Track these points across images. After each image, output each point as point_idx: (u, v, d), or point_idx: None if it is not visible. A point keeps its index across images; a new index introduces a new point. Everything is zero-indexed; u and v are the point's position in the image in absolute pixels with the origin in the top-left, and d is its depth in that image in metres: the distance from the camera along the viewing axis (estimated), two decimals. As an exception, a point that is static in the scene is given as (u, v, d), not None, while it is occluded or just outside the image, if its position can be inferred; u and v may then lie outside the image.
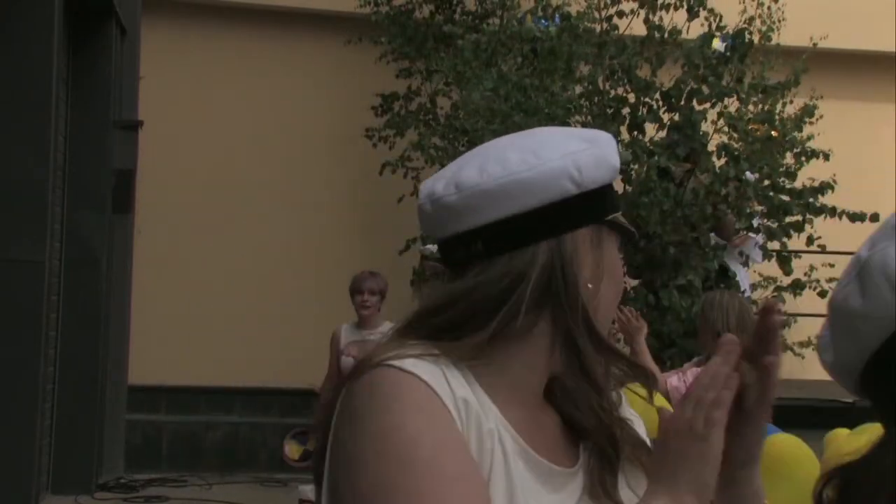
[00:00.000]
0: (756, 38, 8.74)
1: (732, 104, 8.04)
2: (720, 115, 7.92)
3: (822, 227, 8.26)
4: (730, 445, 1.32)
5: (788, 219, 8.08)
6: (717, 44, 7.98)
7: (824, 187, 7.99)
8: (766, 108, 8.15)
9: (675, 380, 5.25)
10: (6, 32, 7.28)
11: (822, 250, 8.19)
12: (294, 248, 11.41)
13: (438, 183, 1.46)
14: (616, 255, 1.49)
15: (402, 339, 1.40)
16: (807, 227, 8.11)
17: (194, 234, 11.06)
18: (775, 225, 8.12)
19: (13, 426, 7.24)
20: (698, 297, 7.32)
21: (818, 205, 8.01)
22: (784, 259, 8.17)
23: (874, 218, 7.88)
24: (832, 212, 7.93)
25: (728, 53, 7.88)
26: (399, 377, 1.32)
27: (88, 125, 8.81)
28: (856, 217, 7.88)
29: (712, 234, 8.36)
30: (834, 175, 8.11)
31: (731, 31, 7.99)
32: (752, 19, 8.73)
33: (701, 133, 7.86)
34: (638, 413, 1.59)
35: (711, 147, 7.89)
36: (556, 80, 8.14)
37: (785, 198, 8.00)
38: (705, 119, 7.93)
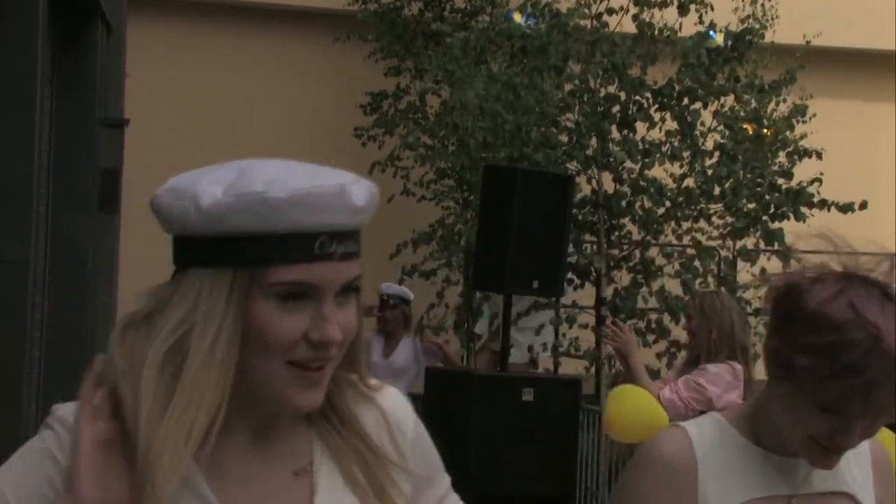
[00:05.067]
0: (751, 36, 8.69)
1: (728, 102, 8.00)
2: (715, 114, 7.89)
3: (813, 222, 8.21)
4: None
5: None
6: (720, 40, 7.92)
7: (813, 182, 7.96)
8: (756, 107, 8.10)
9: (668, 391, 5.21)
10: (-10, 30, 7.21)
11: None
12: (282, 248, 11.35)
13: None
14: None
15: None
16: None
17: (181, 233, 11.01)
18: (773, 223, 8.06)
19: (-3, 428, 7.17)
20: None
21: (814, 200, 7.98)
22: (786, 256, 8.13)
23: (863, 206, 7.83)
24: (822, 204, 7.90)
25: (728, 48, 7.80)
26: None
27: (74, 123, 8.74)
28: (846, 208, 7.82)
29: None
30: (821, 173, 8.07)
31: (730, 29, 7.93)
32: (747, 18, 8.67)
33: (696, 132, 7.82)
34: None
35: (706, 146, 7.86)
36: (545, 78, 8.08)
37: (775, 195, 7.93)
38: (700, 119, 7.88)
